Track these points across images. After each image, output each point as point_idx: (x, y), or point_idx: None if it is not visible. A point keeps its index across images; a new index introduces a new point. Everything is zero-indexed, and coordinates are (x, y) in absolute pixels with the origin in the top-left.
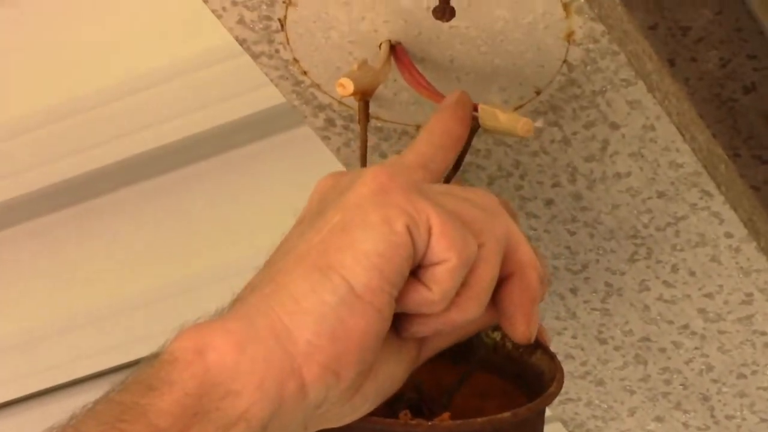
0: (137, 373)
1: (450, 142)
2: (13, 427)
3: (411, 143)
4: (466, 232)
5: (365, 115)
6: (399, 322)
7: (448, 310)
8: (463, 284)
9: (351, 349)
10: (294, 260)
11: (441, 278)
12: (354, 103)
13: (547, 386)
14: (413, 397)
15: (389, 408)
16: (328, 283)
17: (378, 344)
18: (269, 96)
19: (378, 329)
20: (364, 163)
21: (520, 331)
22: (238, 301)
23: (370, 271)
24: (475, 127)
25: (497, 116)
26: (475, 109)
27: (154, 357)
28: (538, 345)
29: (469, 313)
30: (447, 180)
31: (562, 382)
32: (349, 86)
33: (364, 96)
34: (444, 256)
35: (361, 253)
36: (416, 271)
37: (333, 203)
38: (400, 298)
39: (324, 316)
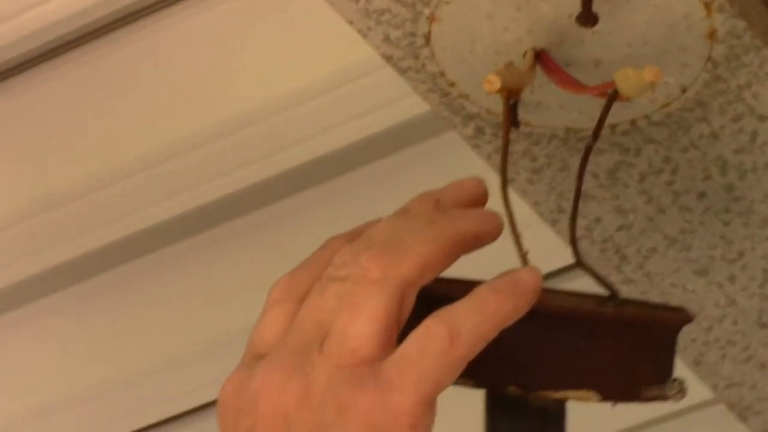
0: None
1: (497, 322)
2: None
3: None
4: None
5: (509, 114)
6: None
7: None
8: None
9: None
10: None
11: None
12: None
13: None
14: None
15: None
16: None
17: None
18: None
19: None
20: (505, 163)
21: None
22: None
23: None
24: (613, 96)
25: (628, 73)
26: (612, 86)
27: None
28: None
29: None
30: None
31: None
32: (497, 82)
33: (511, 95)
34: None
35: None
36: None
37: None
38: None
39: None
